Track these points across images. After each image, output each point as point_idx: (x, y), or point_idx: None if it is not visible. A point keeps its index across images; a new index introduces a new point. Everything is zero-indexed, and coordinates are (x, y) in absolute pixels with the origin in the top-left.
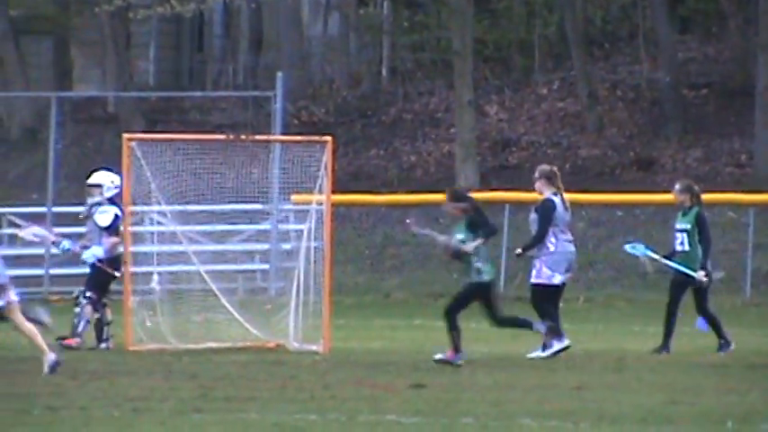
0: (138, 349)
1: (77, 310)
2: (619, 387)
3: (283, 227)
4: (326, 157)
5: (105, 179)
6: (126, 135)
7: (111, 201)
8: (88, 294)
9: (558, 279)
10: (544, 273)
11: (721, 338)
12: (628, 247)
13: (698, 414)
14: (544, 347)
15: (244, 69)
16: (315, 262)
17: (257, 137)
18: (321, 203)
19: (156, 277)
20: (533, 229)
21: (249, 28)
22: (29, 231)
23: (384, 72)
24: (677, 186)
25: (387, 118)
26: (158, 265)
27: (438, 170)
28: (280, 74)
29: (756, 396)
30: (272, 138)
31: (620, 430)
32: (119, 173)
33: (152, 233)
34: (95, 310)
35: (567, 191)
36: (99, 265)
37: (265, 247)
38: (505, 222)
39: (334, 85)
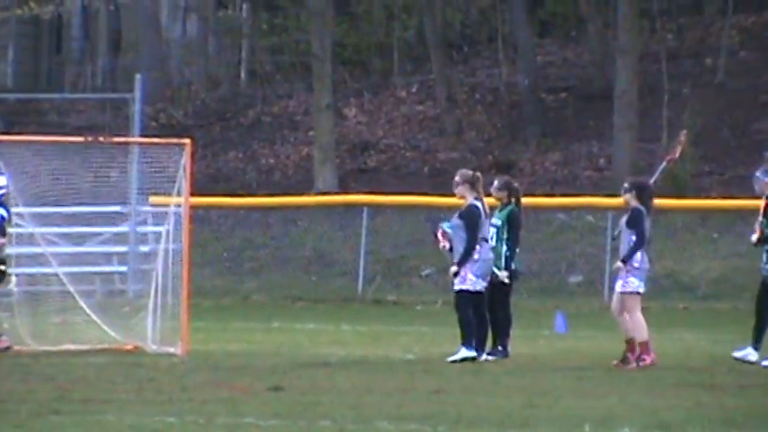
0: None
1: None
2: (477, 390)
3: (141, 229)
4: (185, 159)
5: None
6: None
7: None
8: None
9: (480, 286)
10: (469, 279)
11: (500, 345)
12: (446, 226)
13: (556, 417)
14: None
15: (102, 71)
16: (173, 264)
17: (115, 139)
18: (179, 206)
19: (13, 279)
20: (458, 236)
21: (108, 30)
22: None
23: (243, 75)
24: (495, 183)
25: (245, 120)
26: (16, 266)
27: (297, 173)
28: (138, 76)
29: (614, 400)
30: (130, 140)
31: None
32: (4, 174)
33: (10, 234)
34: None
35: (420, 193)
36: None
37: (123, 249)
38: (363, 225)
39: (193, 88)
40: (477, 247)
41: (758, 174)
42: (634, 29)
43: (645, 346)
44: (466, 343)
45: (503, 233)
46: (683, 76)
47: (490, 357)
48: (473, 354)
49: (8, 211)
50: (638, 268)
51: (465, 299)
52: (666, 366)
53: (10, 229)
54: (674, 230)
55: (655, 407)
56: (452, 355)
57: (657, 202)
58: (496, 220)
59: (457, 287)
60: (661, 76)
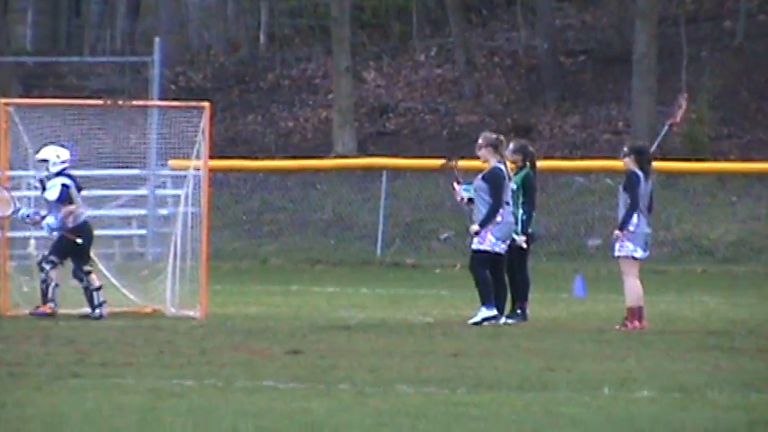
0: (15, 314)
1: (86, 284)
2: (496, 353)
3: (161, 192)
4: (204, 122)
5: (50, 154)
6: (3, 100)
7: (60, 173)
8: (50, 258)
9: (499, 248)
10: (489, 240)
11: (519, 308)
12: (464, 189)
13: (575, 380)
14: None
15: (121, 35)
16: (192, 227)
17: (135, 102)
18: (198, 169)
19: (33, 242)
20: (480, 198)
21: None
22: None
23: (262, 38)
24: (510, 146)
25: (264, 84)
26: (34, 229)
27: (315, 136)
28: (157, 39)
29: (633, 363)
30: (149, 103)
31: (497, 396)
32: (65, 146)
33: (29, 198)
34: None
35: (439, 156)
36: (65, 234)
37: (143, 212)
38: (382, 188)
39: (212, 51)
40: (501, 210)
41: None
42: None
43: (632, 311)
44: (485, 302)
45: (518, 197)
46: (702, 39)
47: (509, 321)
48: (494, 312)
49: (73, 179)
50: (633, 232)
51: (482, 259)
52: (685, 330)
53: (29, 193)
54: (692, 194)
55: (673, 370)
56: (472, 317)
57: (676, 165)
58: (512, 184)
59: (475, 246)
60: (680, 39)
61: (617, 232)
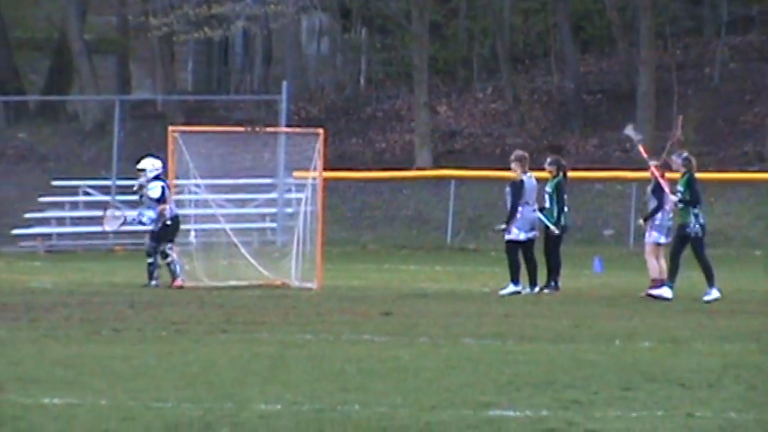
0: (179, 285)
1: (169, 260)
2: (535, 314)
3: (287, 196)
4: (319, 144)
5: (148, 164)
6: (171, 128)
7: (157, 177)
8: (164, 247)
9: (524, 236)
10: (514, 232)
11: (553, 281)
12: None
13: (594, 335)
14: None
15: (258, 78)
16: (310, 222)
17: (267, 129)
18: (315, 178)
19: (192, 233)
20: (508, 200)
21: (262, 48)
22: (109, 216)
23: (362, 81)
24: (548, 160)
25: (364, 115)
26: (194, 223)
27: (402, 154)
28: (285, 82)
29: (637, 321)
30: (279, 130)
31: (536, 347)
32: (159, 157)
33: (190, 200)
34: (150, 255)
35: (494, 169)
36: (165, 223)
37: (274, 210)
38: (451, 192)
39: (325, 91)
40: (520, 208)
41: (674, 157)
42: (651, 46)
43: (654, 282)
44: (514, 280)
45: (554, 198)
46: (688, 81)
47: (546, 291)
48: (518, 288)
49: (166, 183)
50: (658, 225)
51: (513, 247)
52: (676, 297)
53: (189, 196)
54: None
55: (667, 326)
56: (503, 289)
57: (669, 175)
58: (549, 188)
59: (506, 237)
60: (672, 81)
61: (640, 221)
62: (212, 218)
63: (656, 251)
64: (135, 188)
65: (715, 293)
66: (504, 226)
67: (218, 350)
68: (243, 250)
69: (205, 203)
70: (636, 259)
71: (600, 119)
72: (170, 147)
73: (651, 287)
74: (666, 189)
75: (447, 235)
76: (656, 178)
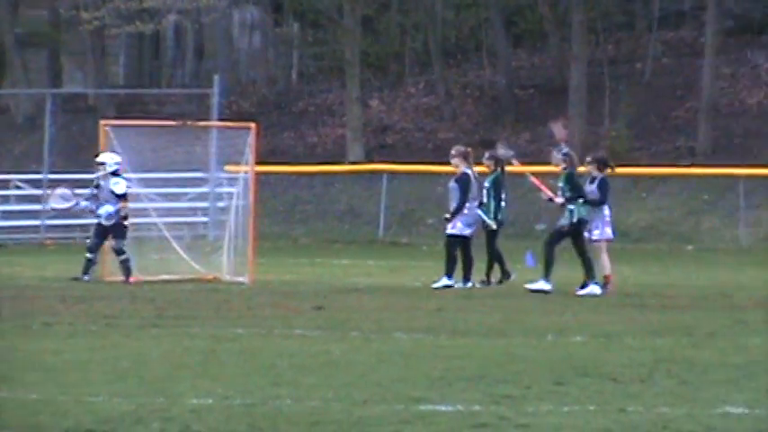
0: (111, 280)
1: (123, 258)
2: (468, 309)
3: (219, 190)
4: (251, 138)
5: (108, 158)
6: (102, 122)
7: (115, 173)
8: (120, 245)
9: (467, 231)
10: (458, 227)
11: (504, 272)
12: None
13: (526, 329)
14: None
15: (189, 72)
16: (242, 216)
17: (199, 123)
18: (247, 172)
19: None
20: (453, 195)
21: (193, 41)
22: (56, 194)
23: (294, 75)
24: (485, 155)
25: (296, 109)
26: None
27: (334, 148)
28: (216, 76)
29: (569, 316)
30: (210, 124)
31: (468, 341)
32: (119, 153)
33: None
34: (91, 252)
35: (425, 163)
36: (121, 221)
37: (205, 204)
38: (383, 186)
39: (257, 85)
40: (468, 204)
41: (554, 152)
42: (583, 41)
43: (608, 278)
44: (448, 274)
45: (492, 193)
46: (620, 76)
47: (479, 285)
48: (451, 282)
49: (127, 179)
50: (609, 221)
51: (455, 242)
52: (608, 292)
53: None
54: (613, 191)
55: (599, 321)
56: (435, 282)
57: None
58: (487, 184)
59: (449, 231)
60: (604, 76)
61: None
62: (144, 212)
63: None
64: (95, 182)
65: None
66: (448, 216)
67: (149, 344)
68: (174, 244)
69: (136, 197)
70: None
71: (532, 113)
72: (101, 140)
73: (604, 284)
74: (548, 193)
75: (379, 229)
76: (537, 187)
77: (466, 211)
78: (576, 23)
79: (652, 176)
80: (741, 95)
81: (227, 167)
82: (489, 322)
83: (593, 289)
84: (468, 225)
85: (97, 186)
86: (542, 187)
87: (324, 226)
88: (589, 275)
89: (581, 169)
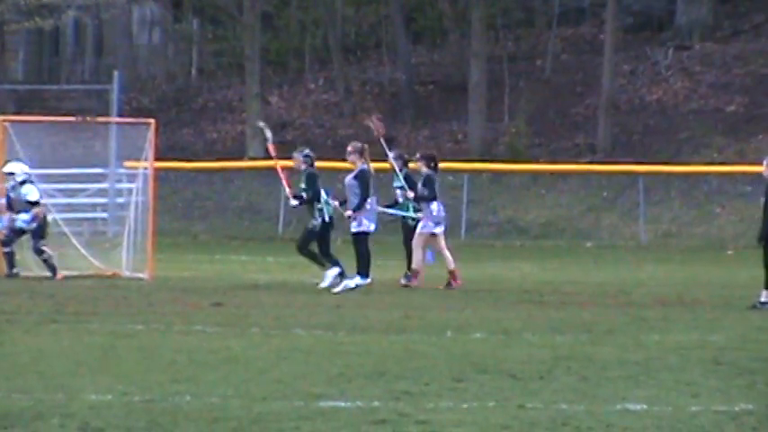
0: (25, 275)
1: (45, 257)
2: (367, 305)
3: (118, 186)
4: (150, 134)
5: (17, 168)
6: (1, 117)
7: (25, 182)
8: (39, 244)
9: (372, 227)
10: (365, 224)
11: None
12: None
13: (426, 325)
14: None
15: (89, 68)
16: (141, 212)
17: (99, 119)
18: (146, 168)
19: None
20: (351, 191)
21: (93, 37)
22: None
23: (193, 71)
24: (391, 155)
25: (195, 105)
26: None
27: (233, 144)
28: (116, 72)
29: (469, 312)
30: (110, 120)
31: (368, 337)
32: (25, 163)
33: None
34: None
35: (325, 159)
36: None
37: (105, 200)
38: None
39: (156, 81)
40: (369, 199)
41: (295, 153)
42: (483, 38)
43: (414, 272)
44: (362, 273)
45: (406, 191)
46: (520, 73)
47: (403, 281)
48: (368, 281)
49: (34, 183)
50: (436, 216)
51: (363, 239)
52: (507, 288)
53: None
54: (512, 188)
55: (499, 317)
56: (345, 282)
57: (501, 166)
58: (399, 183)
59: (355, 230)
60: (503, 73)
61: (349, 212)
62: (44, 208)
63: (428, 241)
64: (6, 194)
65: (360, 281)
66: (349, 213)
67: (48, 340)
68: (74, 240)
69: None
70: (468, 250)
71: (432, 110)
72: (0, 137)
73: (412, 276)
74: (288, 190)
75: (278, 226)
76: (280, 178)
77: (368, 207)
78: (475, 20)
79: (552, 173)
80: (641, 92)
81: (126, 163)
82: (388, 319)
83: (332, 272)
84: (372, 220)
85: (8, 198)
86: (284, 182)
87: (223, 222)
88: (359, 268)
89: (412, 165)
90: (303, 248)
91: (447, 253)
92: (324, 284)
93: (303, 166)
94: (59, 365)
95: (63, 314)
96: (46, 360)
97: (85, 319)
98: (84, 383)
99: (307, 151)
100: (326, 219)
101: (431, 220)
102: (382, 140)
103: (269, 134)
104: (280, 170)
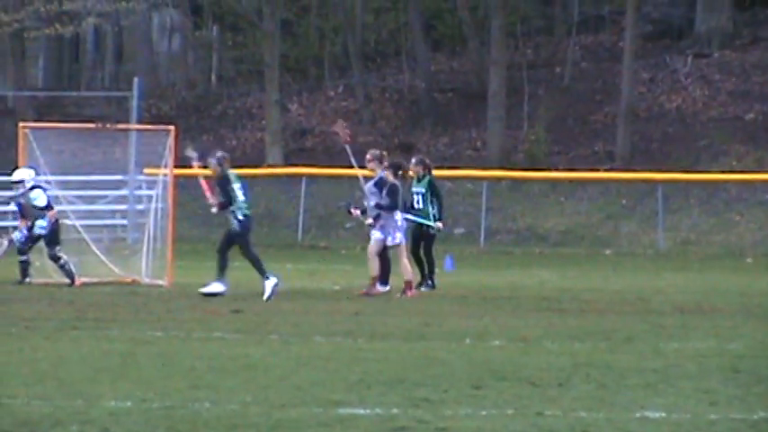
0: (40, 282)
1: (61, 263)
2: (387, 312)
3: (138, 193)
4: (170, 141)
5: (25, 175)
6: (21, 124)
7: (34, 187)
8: (55, 251)
9: (404, 241)
10: (398, 237)
11: (429, 280)
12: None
13: (445, 333)
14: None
15: (109, 75)
16: (161, 219)
17: (119, 126)
18: (166, 175)
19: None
20: (371, 196)
21: (113, 44)
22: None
23: (213, 78)
24: (413, 160)
25: (215, 112)
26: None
27: (253, 151)
28: (136, 79)
29: (488, 320)
30: (130, 126)
31: (387, 345)
32: (32, 167)
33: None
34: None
35: (344, 167)
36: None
37: (124, 207)
38: (302, 190)
39: (176, 88)
40: (398, 213)
41: (209, 158)
42: (502, 45)
43: (372, 279)
44: (382, 281)
45: (428, 197)
46: (539, 81)
47: (424, 289)
48: (387, 288)
49: (45, 189)
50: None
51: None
52: (526, 295)
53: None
54: (531, 195)
55: (518, 325)
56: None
57: (520, 174)
58: (420, 189)
59: (390, 244)
60: (523, 80)
61: (370, 221)
62: (63, 214)
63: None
64: (12, 201)
65: (217, 287)
66: (371, 221)
67: (68, 347)
68: (93, 247)
69: (56, 200)
70: (486, 258)
71: (451, 117)
72: (21, 143)
73: (370, 284)
74: (212, 199)
75: (298, 233)
76: (204, 190)
77: (400, 223)
78: (495, 27)
79: (570, 181)
80: (660, 100)
81: (146, 170)
82: (408, 326)
83: (216, 287)
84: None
85: (20, 205)
86: (208, 193)
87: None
88: (261, 273)
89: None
90: (222, 251)
91: (407, 262)
92: (205, 289)
93: (219, 170)
94: (79, 372)
95: (83, 321)
96: (65, 367)
97: (105, 326)
98: (104, 390)
99: (219, 154)
100: (240, 218)
101: (399, 231)
102: (347, 147)
103: (193, 154)
104: (203, 182)
